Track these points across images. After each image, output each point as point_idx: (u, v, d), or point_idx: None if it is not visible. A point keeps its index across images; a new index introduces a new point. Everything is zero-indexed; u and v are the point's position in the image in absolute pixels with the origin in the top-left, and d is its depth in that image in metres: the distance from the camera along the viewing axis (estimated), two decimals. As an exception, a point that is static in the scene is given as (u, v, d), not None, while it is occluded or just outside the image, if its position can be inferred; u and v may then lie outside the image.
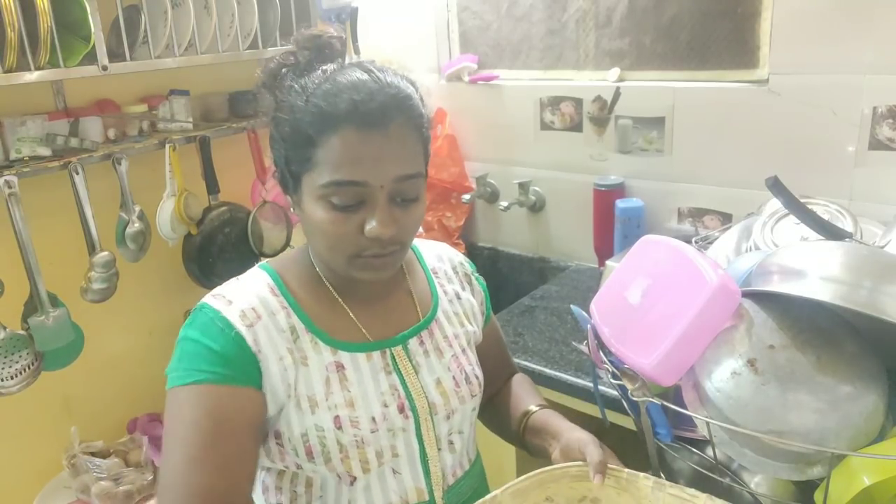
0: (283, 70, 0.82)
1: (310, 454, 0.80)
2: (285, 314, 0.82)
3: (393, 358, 0.86)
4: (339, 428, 0.80)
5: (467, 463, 0.93)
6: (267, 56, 1.64)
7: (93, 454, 1.53)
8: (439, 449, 0.87)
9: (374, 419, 0.82)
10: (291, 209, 0.85)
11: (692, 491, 0.75)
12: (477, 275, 1.04)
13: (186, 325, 0.80)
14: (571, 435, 0.85)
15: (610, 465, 0.79)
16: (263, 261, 0.89)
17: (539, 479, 0.78)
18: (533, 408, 0.96)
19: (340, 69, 0.80)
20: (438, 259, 1.01)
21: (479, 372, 0.95)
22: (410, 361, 0.87)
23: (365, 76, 0.78)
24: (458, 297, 0.98)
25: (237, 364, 0.77)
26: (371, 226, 0.77)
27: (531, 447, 0.94)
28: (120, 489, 1.46)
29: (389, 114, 0.76)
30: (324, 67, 0.80)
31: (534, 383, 1.08)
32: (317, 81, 0.78)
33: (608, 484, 0.78)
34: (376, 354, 0.85)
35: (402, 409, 0.84)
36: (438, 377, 0.88)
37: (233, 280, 0.86)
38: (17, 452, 1.50)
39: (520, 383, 1.06)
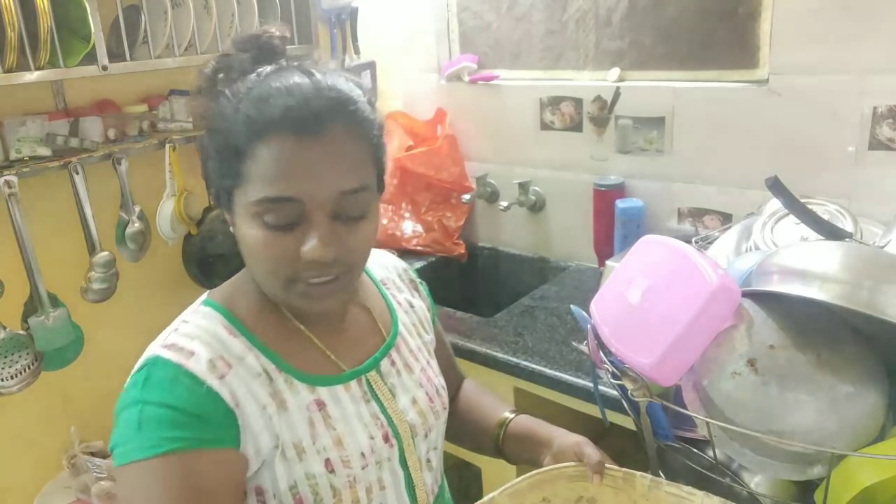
0: (220, 75, 0.74)
1: None
2: (253, 356, 0.73)
3: (369, 384, 0.80)
4: (332, 471, 0.73)
5: (440, 477, 0.90)
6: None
7: (93, 454, 1.52)
8: (421, 471, 0.83)
9: (363, 454, 0.76)
10: (231, 228, 0.76)
11: (689, 489, 0.75)
12: (420, 279, 0.99)
13: (137, 385, 0.68)
14: (564, 440, 0.84)
15: (607, 465, 0.79)
16: (205, 295, 0.79)
17: (536, 479, 0.79)
18: (508, 415, 0.93)
19: (276, 72, 0.71)
20: (383, 268, 0.94)
21: (443, 382, 0.91)
22: (386, 385, 0.82)
23: (303, 79, 0.69)
24: (412, 306, 0.93)
25: (214, 424, 0.67)
26: (309, 246, 0.68)
27: (512, 456, 0.92)
28: (120, 489, 1.46)
29: (327, 120, 0.67)
30: (259, 70, 0.72)
31: (487, 389, 1.04)
32: (249, 86, 0.70)
33: (605, 484, 0.78)
34: (353, 384, 0.79)
35: (386, 438, 0.79)
36: (413, 395, 0.84)
37: (178, 323, 0.74)
38: (17, 452, 1.50)
39: (477, 390, 1.03)
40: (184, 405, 0.66)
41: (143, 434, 0.65)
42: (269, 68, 0.72)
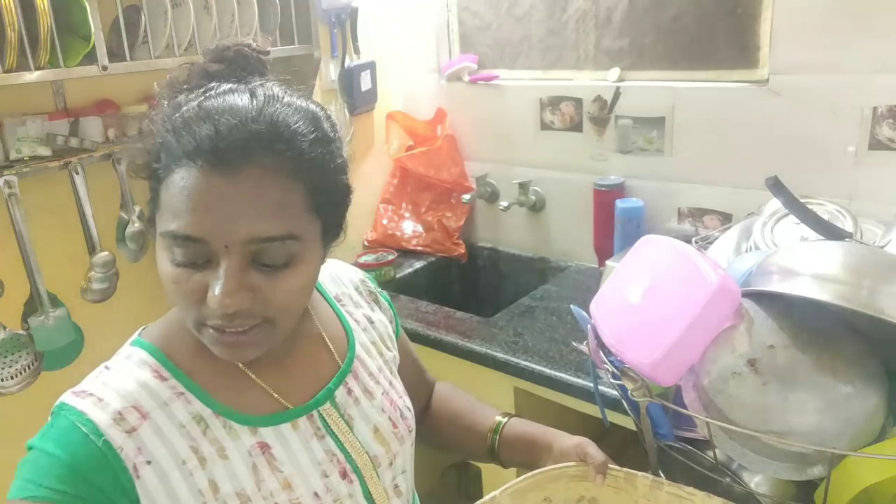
0: (185, 87, 0.68)
1: None
2: (183, 402, 0.68)
3: (323, 418, 0.75)
4: None
5: (413, 497, 0.87)
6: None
7: (93, 454, 1.52)
8: (388, 499, 0.79)
9: (317, 494, 0.71)
10: None
11: (689, 489, 0.75)
12: (380, 290, 0.93)
13: (41, 432, 0.66)
14: (565, 443, 0.83)
15: (609, 465, 0.79)
16: (137, 333, 0.75)
17: (537, 479, 0.79)
18: (500, 419, 0.91)
19: (226, 90, 0.65)
20: (337, 283, 0.87)
21: (409, 402, 0.86)
22: (342, 417, 0.76)
23: (242, 101, 0.63)
24: (371, 322, 0.87)
25: (94, 482, 0.61)
26: (210, 293, 0.61)
27: (508, 460, 0.90)
28: (120, 489, 1.46)
29: (247, 155, 0.60)
30: (211, 85, 0.66)
31: (464, 390, 1.01)
32: (180, 103, 0.64)
33: (606, 484, 0.78)
34: (302, 421, 0.73)
35: (344, 475, 0.74)
36: (375, 424, 0.78)
37: (100, 369, 0.70)
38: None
39: (456, 394, 1.00)
40: (70, 456, 0.62)
41: (20, 475, 0.63)
42: (225, 86, 0.66)
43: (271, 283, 0.63)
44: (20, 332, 1.39)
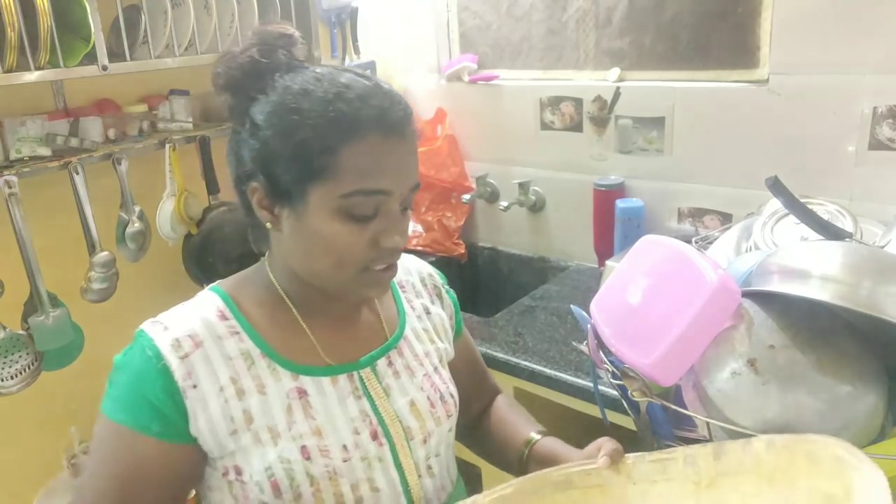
0: (256, 67, 0.76)
1: (276, 490, 0.74)
2: (236, 339, 0.78)
3: (362, 381, 0.82)
4: (308, 458, 0.75)
5: (450, 485, 0.90)
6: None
7: (93, 454, 1.52)
8: (419, 476, 0.83)
9: (345, 447, 0.77)
10: (268, 225, 0.78)
11: (670, 449, 0.75)
12: (447, 287, 1.00)
13: (123, 352, 0.77)
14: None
15: (587, 462, 0.78)
16: (215, 282, 0.85)
17: (520, 486, 0.78)
18: (535, 436, 0.92)
19: (337, 72, 0.76)
20: (406, 271, 0.97)
21: (454, 390, 0.91)
22: (380, 384, 0.83)
23: (368, 82, 0.75)
24: (428, 312, 0.95)
25: (153, 401, 0.73)
26: (389, 236, 0.75)
27: None
28: (120, 489, 1.45)
29: (407, 122, 0.76)
30: (314, 69, 0.76)
31: (521, 405, 1.04)
32: (323, 85, 0.73)
33: (593, 484, 0.77)
34: (342, 378, 0.81)
35: (375, 436, 0.80)
36: (412, 398, 0.84)
37: (181, 304, 0.81)
38: (17, 452, 1.50)
39: (510, 406, 1.02)
40: (139, 381, 0.74)
41: (111, 392, 0.75)
42: (322, 69, 0.76)
43: (406, 223, 0.79)
44: (20, 332, 1.39)
